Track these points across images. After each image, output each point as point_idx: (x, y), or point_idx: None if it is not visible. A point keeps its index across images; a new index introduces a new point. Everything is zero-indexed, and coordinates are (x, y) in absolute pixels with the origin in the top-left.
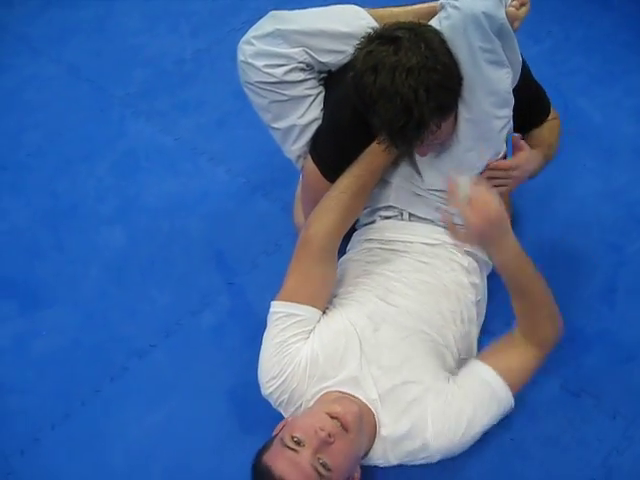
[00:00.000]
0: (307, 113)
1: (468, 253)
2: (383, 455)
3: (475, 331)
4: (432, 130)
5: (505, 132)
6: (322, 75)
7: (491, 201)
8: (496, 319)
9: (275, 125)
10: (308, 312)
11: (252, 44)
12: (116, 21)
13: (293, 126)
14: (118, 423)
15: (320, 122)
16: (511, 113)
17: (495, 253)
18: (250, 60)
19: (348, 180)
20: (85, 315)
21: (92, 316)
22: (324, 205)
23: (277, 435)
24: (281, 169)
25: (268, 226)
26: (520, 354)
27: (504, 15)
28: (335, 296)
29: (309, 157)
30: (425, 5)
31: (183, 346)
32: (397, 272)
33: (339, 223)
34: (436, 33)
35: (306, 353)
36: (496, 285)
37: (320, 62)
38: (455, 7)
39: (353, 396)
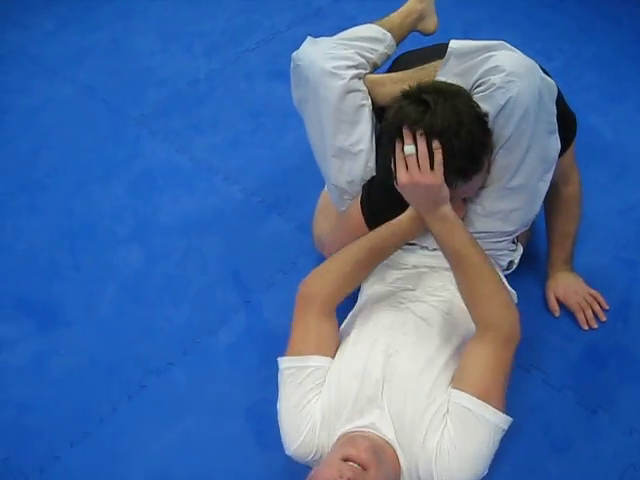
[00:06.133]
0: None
1: None
2: None
3: None
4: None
5: (546, 190)
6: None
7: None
8: None
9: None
10: (318, 362)
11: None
12: (130, 42)
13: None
14: (136, 441)
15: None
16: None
17: (428, 219)
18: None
19: (359, 249)
20: (102, 334)
21: (109, 335)
22: (328, 267)
23: None
24: (296, 188)
25: (284, 245)
26: (481, 358)
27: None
28: (348, 332)
29: (356, 202)
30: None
31: (200, 364)
32: (409, 296)
33: (339, 288)
34: (468, 100)
35: (321, 412)
36: None
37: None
38: (512, 81)
39: (370, 433)
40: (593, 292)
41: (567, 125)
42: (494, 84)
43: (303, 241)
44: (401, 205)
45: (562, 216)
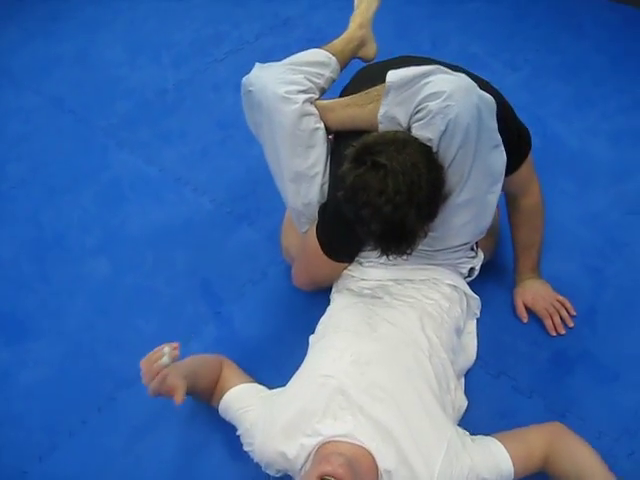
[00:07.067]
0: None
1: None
2: None
3: (457, 367)
4: (421, 235)
5: (496, 200)
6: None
7: None
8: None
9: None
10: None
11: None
12: (98, 53)
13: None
14: (106, 453)
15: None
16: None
17: None
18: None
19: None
20: (71, 346)
21: (78, 347)
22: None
23: None
24: (265, 198)
25: (254, 255)
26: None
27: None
28: (318, 338)
29: (313, 229)
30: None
31: None
32: (377, 303)
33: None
34: (415, 143)
35: (284, 408)
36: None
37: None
38: (449, 106)
39: (346, 443)
40: (560, 298)
41: (521, 140)
42: (431, 111)
43: (273, 251)
44: (354, 232)
45: (524, 228)
